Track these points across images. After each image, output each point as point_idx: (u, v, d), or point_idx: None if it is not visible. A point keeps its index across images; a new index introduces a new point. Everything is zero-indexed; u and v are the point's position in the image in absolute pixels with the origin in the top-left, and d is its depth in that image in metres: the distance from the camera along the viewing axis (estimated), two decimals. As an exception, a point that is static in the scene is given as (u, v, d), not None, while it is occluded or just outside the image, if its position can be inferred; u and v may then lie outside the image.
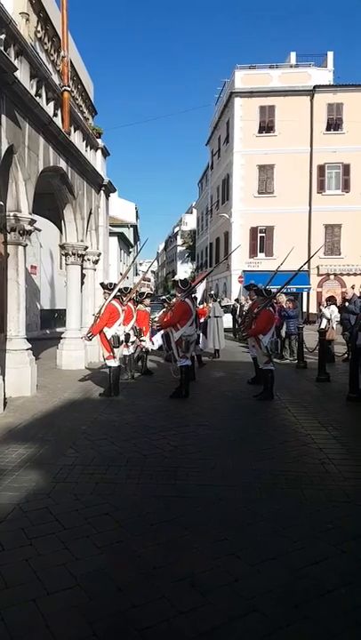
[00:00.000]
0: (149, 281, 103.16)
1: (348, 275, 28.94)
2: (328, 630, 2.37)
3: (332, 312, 12.59)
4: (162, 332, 8.84)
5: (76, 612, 2.49)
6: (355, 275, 28.89)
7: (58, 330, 19.08)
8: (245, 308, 12.97)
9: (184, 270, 61.79)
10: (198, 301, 10.35)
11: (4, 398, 7.07)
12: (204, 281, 12.75)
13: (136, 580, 2.78)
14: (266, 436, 5.71)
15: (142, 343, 9.85)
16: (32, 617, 2.45)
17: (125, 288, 9.42)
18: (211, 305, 12.96)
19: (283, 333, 12.56)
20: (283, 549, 3.11)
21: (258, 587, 2.71)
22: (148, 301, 9.55)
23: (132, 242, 49.23)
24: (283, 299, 12.86)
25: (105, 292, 8.42)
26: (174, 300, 8.91)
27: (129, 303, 9.24)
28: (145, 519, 3.53)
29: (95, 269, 13.19)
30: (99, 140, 13.40)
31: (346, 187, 29.25)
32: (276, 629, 2.37)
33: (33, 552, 3.07)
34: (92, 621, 2.42)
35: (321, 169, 29.36)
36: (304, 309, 27.39)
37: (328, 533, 3.33)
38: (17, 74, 7.33)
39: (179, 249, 68.84)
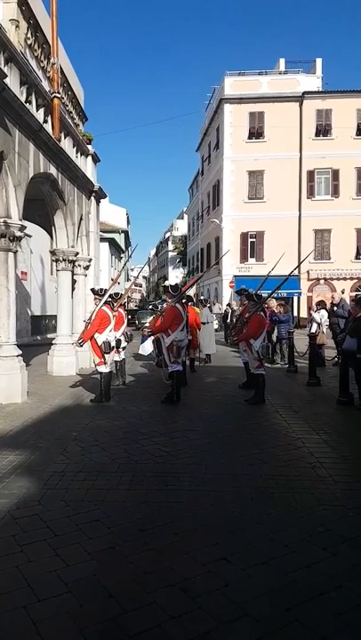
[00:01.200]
0: (141, 286, 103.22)
1: (338, 279, 29.19)
2: (319, 633, 2.38)
3: (322, 316, 12.66)
4: (152, 337, 8.82)
5: (67, 618, 2.48)
6: (344, 279, 29.16)
7: (49, 336, 19.00)
8: (237, 313, 13.00)
9: (175, 275, 61.87)
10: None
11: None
12: (195, 286, 12.79)
13: (127, 585, 2.77)
14: (257, 441, 5.72)
15: None
16: (23, 623, 2.44)
17: (116, 294, 9.42)
18: (200, 310, 12.98)
19: (274, 338, 12.62)
20: (274, 553, 3.13)
21: (249, 591, 2.72)
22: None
23: (123, 247, 49.26)
24: (273, 303, 12.92)
25: (96, 298, 8.42)
26: (164, 305, 8.91)
27: (120, 309, 9.24)
28: (136, 525, 3.53)
29: (86, 275, 13.18)
30: (89, 147, 13.43)
31: (335, 192, 29.53)
32: (268, 633, 2.38)
33: (24, 559, 3.05)
34: (83, 627, 2.41)
35: (310, 174, 29.62)
36: (295, 314, 27.50)
37: (319, 537, 3.34)
38: (7, 80, 7.35)
39: (170, 254, 68.94)
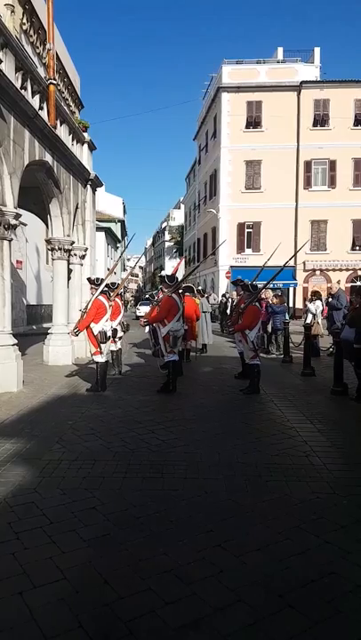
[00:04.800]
0: (137, 276, 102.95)
1: (334, 270, 29.21)
2: (311, 619, 2.41)
3: (318, 307, 12.70)
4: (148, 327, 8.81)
5: (63, 604, 2.51)
6: (340, 270, 29.18)
7: (44, 325, 18.98)
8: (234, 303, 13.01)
9: (172, 266, 61.65)
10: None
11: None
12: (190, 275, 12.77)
13: (122, 572, 2.80)
14: (252, 430, 5.76)
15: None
16: (19, 610, 2.46)
17: (113, 283, 9.40)
18: (198, 300, 12.97)
19: (269, 329, 12.65)
20: (268, 541, 3.16)
21: (243, 577, 2.75)
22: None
23: (119, 237, 49.09)
24: (269, 294, 12.94)
25: (92, 288, 8.39)
26: (160, 295, 8.89)
27: (116, 298, 9.22)
28: (131, 512, 3.55)
29: (82, 264, 13.13)
30: (85, 134, 13.31)
31: (332, 183, 29.45)
32: (261, 619, 2.41)
33: (19, 546, 3.07)
34: (79, 613, 2.43)
35: (307, 165, 29.51)
36: (290, 305, 27.55)
37: (312, 524, 3.38)
38: (2, 66, 7.27)
39: (167, 244, 68.74)
